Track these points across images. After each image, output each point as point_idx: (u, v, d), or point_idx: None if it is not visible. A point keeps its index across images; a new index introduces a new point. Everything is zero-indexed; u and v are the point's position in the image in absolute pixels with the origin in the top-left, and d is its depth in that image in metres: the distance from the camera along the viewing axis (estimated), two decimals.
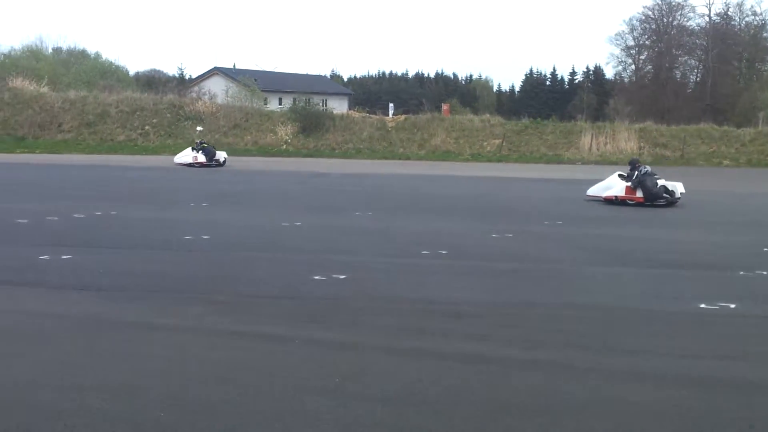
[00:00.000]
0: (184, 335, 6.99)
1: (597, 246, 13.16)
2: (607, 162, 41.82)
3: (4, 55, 67.05)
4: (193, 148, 35.57)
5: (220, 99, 54.43)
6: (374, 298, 8.62)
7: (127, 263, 10.59)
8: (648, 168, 20.99)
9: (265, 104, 56.94)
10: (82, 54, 71.94)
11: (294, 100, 53.53)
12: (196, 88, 61.62)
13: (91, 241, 12.49)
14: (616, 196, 20.75)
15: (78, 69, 64.17)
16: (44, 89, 51.93)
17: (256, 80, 58.46)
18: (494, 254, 11.99)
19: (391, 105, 59.41)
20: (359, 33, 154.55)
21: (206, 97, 54.85)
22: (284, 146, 46.90)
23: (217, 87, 60.09)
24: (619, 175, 21.22)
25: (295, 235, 13.78)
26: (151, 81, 63.95)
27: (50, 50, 71.37)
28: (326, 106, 56.47)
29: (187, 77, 71.36)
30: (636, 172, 20.52)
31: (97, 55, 72.39)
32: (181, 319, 7.50)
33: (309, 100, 52.43)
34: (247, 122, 49.39)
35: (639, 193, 20.34)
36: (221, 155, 35.30)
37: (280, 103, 62.36)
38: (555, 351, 6.60)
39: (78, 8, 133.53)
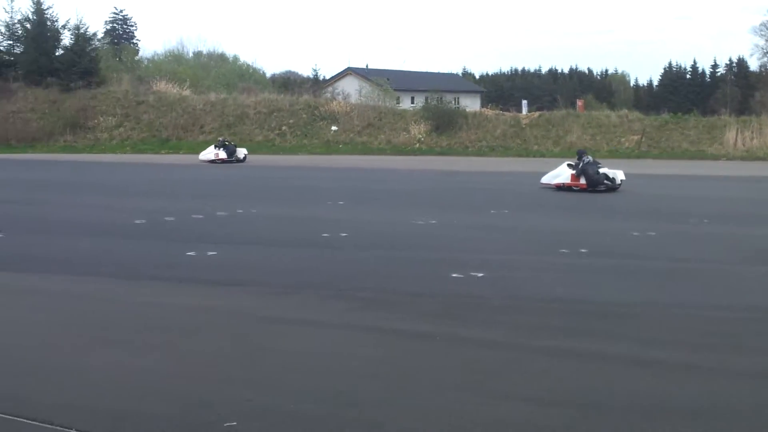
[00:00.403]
0: (328, 331, 7.11)
1: (752, 246, 12.60)
2: (753, 158, 40.08)
3: (149, 59, 70.29)
4: (215, 146, 37.61)
5: (354, 99, 55.21)
6: (514, 296, 8.53)
7: (270, 260, 10.89)
8: (591, 158, 23.16)
9: (398, 103, 57.39)
10: (221, 57, 74.50)
11: (426, 98, 53.72)
12: (330, 89, 62.77)
13: (234, 238, 12.89)
14: (563, 183, 22.95)
15: (217, 72, 66.47)
16: (186, 92, 54.05)
17: (388, 80, 58.98)
18: (636, 252, 11.64)
19: (524, 102, 58.72)
20: (490, 30, 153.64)
21: (340, 97, 55.77)
22: (417, 145, 47.12)
23: (351, 87, 61.03)
24: (568, 165, 23.59)
25: (431, 233, 13.80)
26: (287, 82, 65.52)
27: (191, 54, 74.26)
28: (458, 104, 56.35)
29: (321, 78, 72.77)
30: (581, 162, 22.71)
31: (236, 58, 74.84)
32: (324, 315, 7.64)
33: (441, 98, 52.47)
34: (381, 121, 49.90)
35: (582, 180, 22.45)
36: (241, 152, 37.44)
37: (412, 102, 62.74)
38: (713, 354, 6.35)
39: (217, 13, 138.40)
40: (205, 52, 75.49)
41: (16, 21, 57.08)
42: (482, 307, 8.06)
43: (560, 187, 22.80)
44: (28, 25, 56.23)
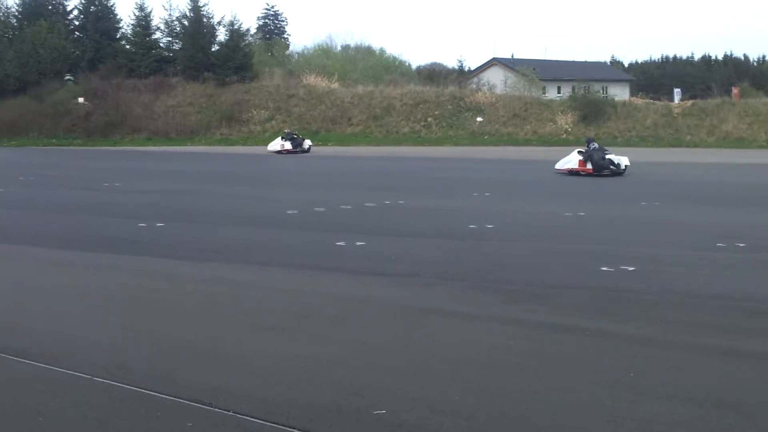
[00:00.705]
0: (475, 322, 7.13)
1: None
2: None
3: (299, 54, 72.06)
4: (282, 137, 40.38)
5: (499, 89, 54.78)
6: (667, 291, 8.28)
7: (417, 250, 10.99)
8: (596, 145, 25.24)
9: (544, 93, 56.50)
10: (368, 50, 75.45)
11: (573, 88, 52.64)
12: (475, 80, 62.43)
13: (382, 229, 13.09)
14: (573, 168, 24.71)
15: (364, 65, 67.40)
16: (335, 85, 55.14)
17: (534, 69, 58.14)
18: None
19: (676, 90, 56.48)
20: (639, 17, 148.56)
21: (485, 87, 55.45)
22: (564, 135, 46.27)
23: (496, 77, 60.52)
24: (578, 152, 25.27)
25: (579, 226, 13.58)
26: (432, 74, 65.62)
27: (339, 48, 75.61)
28: (606, 93, 54.90)
29: (466, 69, 72.49)
30: (589, 148, 24.74)
31: (382, 51, 75.59)
32: (471, 307, 7.66)
33: (588, 87, 51.28)
34: (526, 112, 49.30)
35: (589, 165, 24.23)
36: (306, 143, 40.23)
37: (558, 92, 61.56)
38: None
39: (364, 7, 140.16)
40: (352, 45, 76.68)
41: (174, 18, 59.85)
42: (634, 302, 7.86)
43: (571, 172, 24.63)
44: (186, 22, 58.81)
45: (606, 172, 23.84)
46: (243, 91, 54.39)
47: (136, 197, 18.81)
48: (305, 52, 72.49)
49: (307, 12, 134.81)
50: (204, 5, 58.32)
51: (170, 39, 61.00)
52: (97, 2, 62.36)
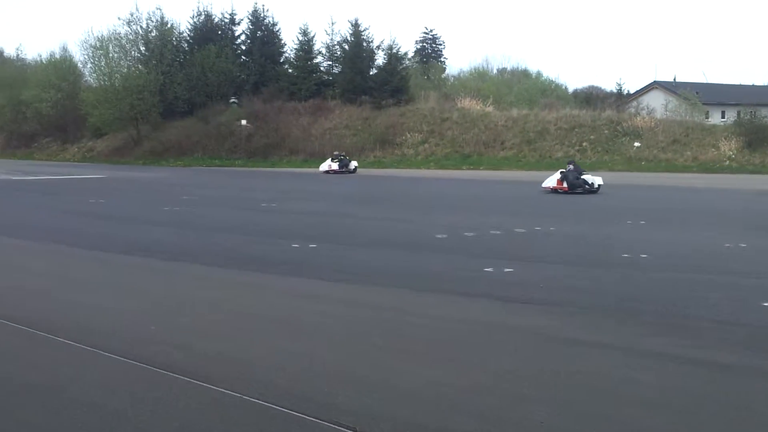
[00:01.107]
0: (621, 355, 6.90)
1: None
2: None
3: (454, 77, 72.50)
4: (331, 159, 43.88)
5: (659, 114, 53.14)
6: None
7: (567, 279, 10.77)
8: (572, 167, 29.48)
9: (707, 118, 54.39)
10: (524, 73, 75.13)
11: (738, 113, 50.36)
12: (634, 103, 60.85)
13: (531, 256, 12.94)
14: (552, 187, 28.88)
15: (520, 88, 67.06)
16: (489, 108, 55.09)
17: (697, 93, 56.10)
18: None
19: None
20: None
21: (644, 111, 53.93)
22: (727, 162, 44.31)
23: (656, 101, 58.76)
24: (560, 172, 29.29)
25: (741, 257, 12.95)
26: (589, 97, 64.48)
27: (495, 71, 75.58)
28: None
29: (625, 92, 70.74)
30: (566, 170, 29.18)
31: (538, 74, 75.14)
32: (619, 339, 7.42)
33: (755, 112, 48.94)
34: (687, 137, 47.58)
35: (565, 184, 28.48)
36: (352, 164, 43.79)
37: (722, 117, 59.12)
38: None
39: (522, 29, 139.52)
40: (509, 68, 76.60)
41: (335, 43, 61.60)
42: None
43: (553, 190, 28.73)
44: (346, 47, 60.40)
45: (579, 190, 28.38)
46: (398, 114, 55.21)
47: (291, 218, 19.41)
48: (461, 75, 72.98)
49: (464, 36, 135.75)
50: (364, 30, 59.76)
51: (330, 63, 62.85)
52: (263, 28, 65.01)
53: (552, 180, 29.26)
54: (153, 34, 65.02)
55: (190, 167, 53.30)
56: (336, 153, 45.66)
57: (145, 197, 26.53)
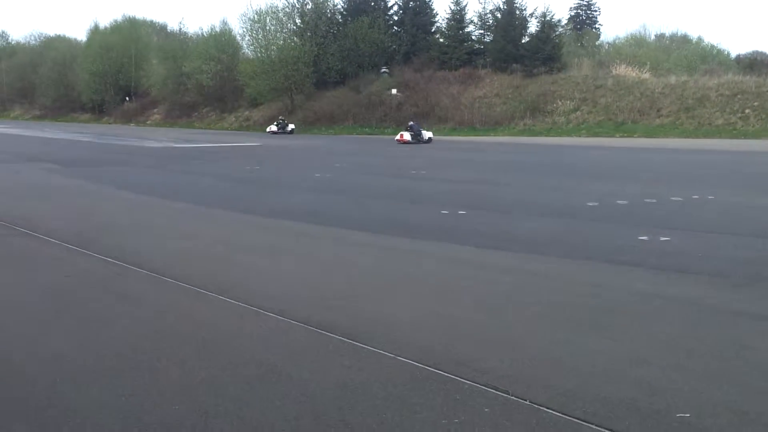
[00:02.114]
0: None
1: None
2: None
3: (609, 44, 70.35)
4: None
5: None
6: None
7: (728, 249, 10.31)
8: (412, 123, 44.66)
9: None
10: (684, 39, 71.96)
11: None
12: None
13: (688, 224, 12.45)
14: (399, 140, 42.48)
15: (679, 54, 64.31)
16: (645, 75, 53.15)
17: None
18: None
19: None
20: None
21: None
22: None
23: None
24: (406, 128, 43.53)
25: None
26: (754, 63, 61.10)
27: (653, 37, 72.76)
28: None
29: None
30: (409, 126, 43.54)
31: (699, 40, 71.83)
32: None
33: None
34: None
35: (407, 136, 42.34)
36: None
37: None
38: None
39: None
40: (667, 34, 73.55)
41: (487, 11, 61.01)
42: None
43: (400, 142, 41.97)
44: (499, 15, 59.72)
45: (412, 141, 41.90)
46: (550, 82, 54.22)
47: (440, 185, 19.44)
48: (616, 42, 70.76)
49: (621, 1, 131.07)
50: None
51: (482, 32, 62.37)
52: None
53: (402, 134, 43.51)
54: (308, 7, 66.41)
55: (340, 135, 54.26)
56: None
57: (298, 164, 27.20)
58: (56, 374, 5.40)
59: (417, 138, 43.03)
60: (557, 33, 59.07)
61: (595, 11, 79.11)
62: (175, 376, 5.39)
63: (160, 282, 8.24)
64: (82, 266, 9.23)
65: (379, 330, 6.45)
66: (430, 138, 43.67)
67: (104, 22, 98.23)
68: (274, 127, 57.58)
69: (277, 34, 67.11)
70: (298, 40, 65.20)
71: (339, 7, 68.38)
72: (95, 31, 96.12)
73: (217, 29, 76.74)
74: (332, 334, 6.27)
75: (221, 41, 74.23)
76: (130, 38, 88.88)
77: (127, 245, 10.60)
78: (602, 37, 74.36)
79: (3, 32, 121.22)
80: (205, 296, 7.61)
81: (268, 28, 67.10)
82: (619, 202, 15.21)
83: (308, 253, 10.40)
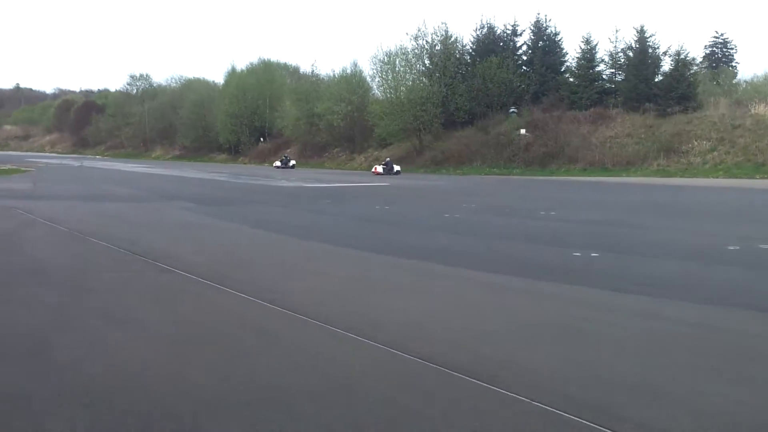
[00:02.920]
0: None
1: None
2: None
3: (747, 82, 67.87)
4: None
5: None
6: None
7: None
8: (388, 159, 59.59)
9: None
10: None
11: None
12: None
13: None
14: (374, 172, 56.46)
15: None
16: None
17: None
18: None
19: None
20: None
21: None
22: None
23: None
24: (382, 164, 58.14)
25: None
26: None
27: None
28: None
29: None
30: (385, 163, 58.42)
31: None
32: None
33: None
34: None
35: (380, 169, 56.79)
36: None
37: None
38: None
39: None
40: None
41: (619, 50, 60.10)
42: None
43: (375, 174, 54.94)
44: (630, 54, 58.72)
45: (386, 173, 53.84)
46: (684, 121, 52.77)
47: (572, 226, 19.12)
48: (754, 80, 68.07)
49: (759, 39, 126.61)
50: (650, 36, 57.95)
51: (613, 70, 61.45)
52: (545, 38, 65.05)
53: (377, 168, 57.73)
54: (437, 48, 67.20)
55: (468, 176, 54.27)
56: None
57: (426, 204, 27.34)
58: (198, 408, 5.57)
59: (389, 171, 56.45)
60: (692, 71, 57.50)
61: (732, 49, 76.53)
62: (312, 412, 5.48)
63: (295, 319, 8.40)
64: (219, 302, 9.52)
65: (513, 374, 6.37)
66: (398, 171, 57.32)
67: (241, 65, 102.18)
68: (278, 163, 71.01)
69: (406, 75, 68.16)
70: (426, 81, 65.99)
71: (468, 47, 68.91)
72: (232, 74, 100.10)
73: (348, 71, 78.71)
74: (466, 377, 6.23)
75: (352, 82, 75.96)
76: (264, 80, 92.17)
77: (261, 282, 10.89)
78: (739, 75, 71.75)
79: (146, 75, 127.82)
80: (338, 334, 7.71)
81: (397, 69, 68.26)
82: (762, 246, 14.57)
83: (439, 293, 10.39)
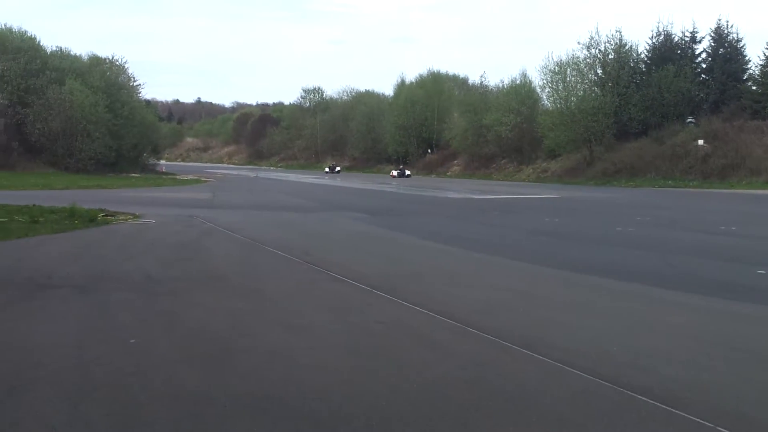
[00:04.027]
0: None
1: None
2: None
3: None
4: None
5: None
6: None
7: None
8: (402, 166, 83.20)
9: None
10: None
11: None
12: None
13: None
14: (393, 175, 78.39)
15: None
16: None
17: None
18: None
19: None
20: None
21: None
22: None
23: None
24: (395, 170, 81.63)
25: None
26: None
27: None
28: None
29: None
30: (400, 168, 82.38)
31: None
32: None
33: None
34: None
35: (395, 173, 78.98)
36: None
37: None
38: None
39: None
40: None
41: None
42: None
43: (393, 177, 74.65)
44: None
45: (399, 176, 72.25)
46: None
47: (754, 242, 18.15)
48: None
49: None
50: None
51: None
52: (726, 45, 62.24)
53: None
54: (610, 57, 65.60)
55: (641, 188, 52.54)
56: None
57: (597, 217, 26.69)
58: (374, 418, 5.65)
59: (401, 175, 71.29)
60: None
61: None
62: (485, 429, 5.45)
63: (467, 333, 8.37)
64: (390, 312, 9.63)
65: (694, 396, 6.09)
66: (409, 174, 73.49)
67: (410, 77, 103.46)
68: (327, 169, 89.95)
69: (578, 85, 66.97)
70: (599, 91, 64.53)
71: (642, 56, 66.81)
72: (401, 86, 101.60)
73: (517, 81, 78.04)
74: (645, 398, 6.00)
75: (521, 93, 75.43)
76: (433, 92, 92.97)
77: (431, 294, 10.94)
78: None
79: (319, 88, 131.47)
80: (510, 349, 7.62)
81: (568, 79, 67.16)
82: None
83: (613, 309, 10.10)
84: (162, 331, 8.46)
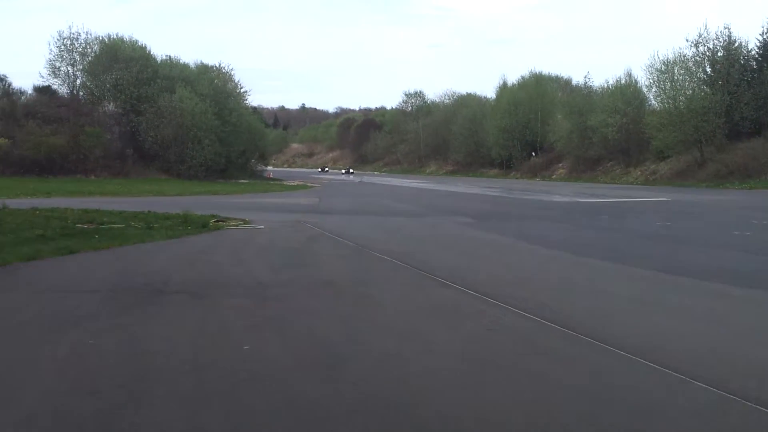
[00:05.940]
0: None
1: None
2: None
3: None
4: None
5: None
6: None
7: None
8: (350, 169, 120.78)
9: None
10: None
11: None
12: None
13: None
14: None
15: None
16: None
17: None
18: None
19: None
20: None
21: None
22: None
23: None
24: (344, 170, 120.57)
25: None
26: None
27: None
28: None
29: None
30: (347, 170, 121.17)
31: None
32: None
33: None
34: None
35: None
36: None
37: None
38: None
39: None
40: None
41: None
42: None
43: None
44: None
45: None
46: None
47: None
48: None
49: None
50: None
51: None
52: None
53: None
54: (720, 54, 63.52)
55: (756, 190, 50.56)
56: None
57: (711, 221, 25.83)
58: (486, 426, 5.56)
59: (347, 173, 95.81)
60: None
61: None
62: None
63: (579, 341, 8.17)
64: (501, 319, 9.48)
65: None
66: (353, 171, 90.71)
67: (512, 79, 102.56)
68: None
69: (686, 84, 65.00)
70: (708, 90, 62.52)
71: (753, 52, 64.34)
72: (503, 88, 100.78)
73: (623, 81, 76.32)
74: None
75: (626, 93, 73.80)
76: (536, 94, 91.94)
77: (542, 300, 10.71)
78: None
79: (420, 92, 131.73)
80: (627, 359, 7.39)
81: (675, 78, 65.30)
82: None
83: (733, 318, 9.71)
84: (274, 336, 8.55)
